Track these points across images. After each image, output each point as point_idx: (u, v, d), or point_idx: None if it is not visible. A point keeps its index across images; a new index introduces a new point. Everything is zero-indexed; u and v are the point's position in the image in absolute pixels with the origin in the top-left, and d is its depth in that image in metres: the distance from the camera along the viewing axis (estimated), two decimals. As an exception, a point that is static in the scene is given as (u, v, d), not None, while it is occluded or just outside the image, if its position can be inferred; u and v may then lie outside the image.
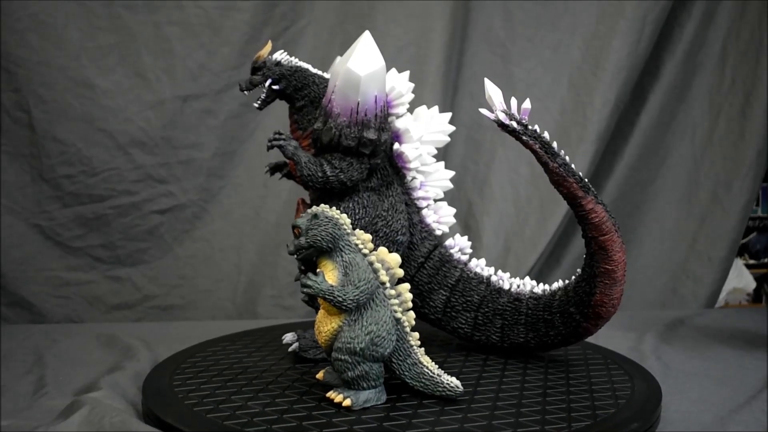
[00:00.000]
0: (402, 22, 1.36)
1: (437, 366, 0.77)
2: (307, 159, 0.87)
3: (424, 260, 0.92)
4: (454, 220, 0.95)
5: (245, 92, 0.91)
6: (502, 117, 0.77)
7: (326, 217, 0.75)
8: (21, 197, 1.30)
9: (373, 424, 0.71)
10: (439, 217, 0.94)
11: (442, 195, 0.94)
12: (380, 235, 0.88)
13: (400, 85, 0.88)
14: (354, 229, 0.79)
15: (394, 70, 0.90)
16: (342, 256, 0.75)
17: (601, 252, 0.82)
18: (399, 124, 0.89)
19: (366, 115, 0.84)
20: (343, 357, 0.73)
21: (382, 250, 0.76)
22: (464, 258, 0.93)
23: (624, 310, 1.44)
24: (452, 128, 0.93)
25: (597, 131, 1.39)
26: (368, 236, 0.76)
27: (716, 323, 1.26)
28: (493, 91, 0.78)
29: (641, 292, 1.48)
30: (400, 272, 0.76)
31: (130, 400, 0.82)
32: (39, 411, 0.81)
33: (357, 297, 0.73)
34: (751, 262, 1.68)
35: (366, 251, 0.75)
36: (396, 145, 0.90)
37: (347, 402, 0.74)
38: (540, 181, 1.42)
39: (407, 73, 0.91)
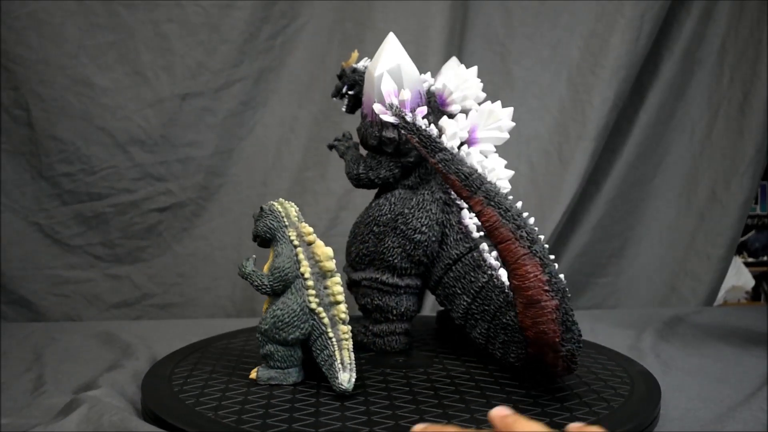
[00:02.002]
0: (401, 20, 1.36)
1: (352, 363, 0.79)
2: (351, 158, 0.92)
3: (452, 262, 0.88)
4: None
5: (334, 98, 0.95)
6: (378, 109, 0.74)
7: (269, 211, 0.83)
8: (20, 195, 1.30)
9: (372, 427, 0.71)
10: None
11: None
12: (398, 232, 0.88)
13: (451, 82, 0.86)
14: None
15: (461, 67, 0.87)
16: (277, 246, 0.82)
17: (505, 263, 0.74)
18: (441, 122, 0.87)
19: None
20: (257, 335, 0.82)
21: (318, 244, 0.80)
22: (497, 264, 0.86)
23: (623, 308, 1.45)
24: (510, 124, 0.87)
25: (596, 129, 1.39)
26: (309, 229, 0.81)
27: (715, 321, 1.27)
28: (384, 83, 0.76)
29: (640, 290, 1.48)
30: (329, 265, 0.80)
31: (129, 398, 0.82)
32: (38, 409, 0.81)
33: (270, 283, 0.80)
34: (750, 260, 1.69)
35: (297, 242, 0.81)
36: None
37: (253, 374, 0.83)
38: (539, 179, 1.42)
39: (474, 69, 0.89)
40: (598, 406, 0.75)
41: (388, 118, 0.74)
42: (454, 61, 0.96)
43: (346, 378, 0.78)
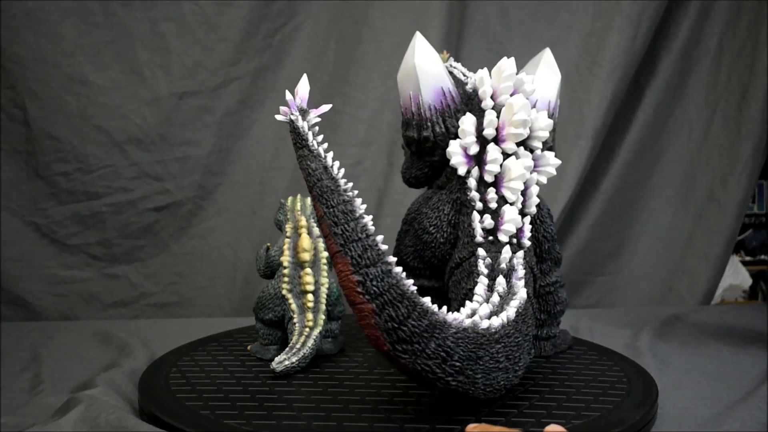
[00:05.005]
0: (398, 19, 1.36)
1: (302, 350, 0.84)
2: (405, 158, 0.92)
3: (455, 266, 0.83)
4: (512, 230, 0.80)
5: None
6: (281, 110, 0.72)
7: (281, 205, 0.95)
8: (17, 195, 1.30)
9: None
10: (501, 223, 0.80)
11: (515, 198, 0.81)
12: (412, 231, 0.88)
13: (479, 76, 0.84)
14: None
15: (503, 59, 0.84)
16: (281, 236, 0.93)
17: None
18: (461, 119, 0.83)
19: (406, 113, 0.85)
20: None
21: (303, 237, 0.89)
22: (485, 271, 0.79)
23: (620, 307, 1.45)
24: (525, 118, 0.81)
25: (593, 128, 1.39)
26: (303, 222, 0.91)
27: (712, 320, 1.27)
28: (299, 84, 0.74)
29: (637, 288, 1.48)
30: (303, 256, 0.89)
31: (126, 397, 0.82)
32: (35, 408, 0.81)
33: (261, 268, 0.93)
34: (747, 258, 1.69)
35: (289, 234, 0.91)
36: None
37: (249, 346, 0.94)
38: (536, 178, 1.42)
39: (512, 61, 0.85)
40: (595, 404, 0.75)
41: (280, 117, 0.73)
42: (545, 53, 0.97)
43: (279, 359, 0.83)
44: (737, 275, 1.63)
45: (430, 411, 0.74)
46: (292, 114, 0.72)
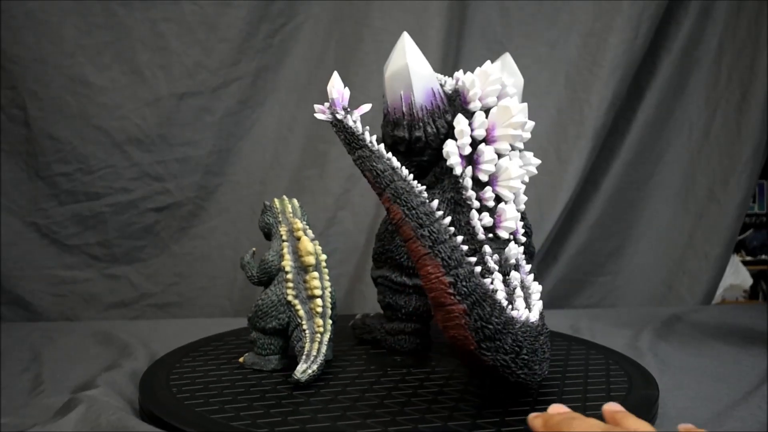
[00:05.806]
0: (398, 19, 1.36)
1: (319, 356, 0.81)
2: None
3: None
4: (513, 227, 0.81)
5: None
6: (318, 108, 0.73)
7: (269, 207, 0.90)
8: (17, 195, 1.30)
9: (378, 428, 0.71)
10: (499, 221, 0.81)
11: (511, 196, 0.82)
12: None
13: (469, 79, 0.84)
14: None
15: (487, 63, 0.86)
16: (272, 240, 0.88)
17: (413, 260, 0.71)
18: (455, 120, 0.83)
19: (395, 113, 0.85)
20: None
21: (303, 239, 0.85)
22: (495, 267, 0.78)
23: (621, 307, 1.45)
24: (522, 121, 0.82)
25: (594, 128, 1.39)
26: (299, 225, 0.86)
27: (713, 320, 1.27)
28: (330, 82, 0.74)
29: (638, 288, 1.48)
30: (308, 260, 0.84)
31: (127, 397, 0.82)
32: (36, 409, 0.81)
33: (257, 274, 0.88)
34: (748, 258, 1.69)
35: (285, 237, 0.86)
36: None
37: (241, 359, 0.89)
38: (536, 179, 1.42)
39: (497, 64, 0.87)
40: (596, 404, 0.75)
41: (321, 116, 0.73)
42: (505, 57, 0.96)
43: (301, 369, 0.80)
44: (738, 275, 1.63)
45: (481, 406, 0.74)
46: (338, 113, 0.72)
